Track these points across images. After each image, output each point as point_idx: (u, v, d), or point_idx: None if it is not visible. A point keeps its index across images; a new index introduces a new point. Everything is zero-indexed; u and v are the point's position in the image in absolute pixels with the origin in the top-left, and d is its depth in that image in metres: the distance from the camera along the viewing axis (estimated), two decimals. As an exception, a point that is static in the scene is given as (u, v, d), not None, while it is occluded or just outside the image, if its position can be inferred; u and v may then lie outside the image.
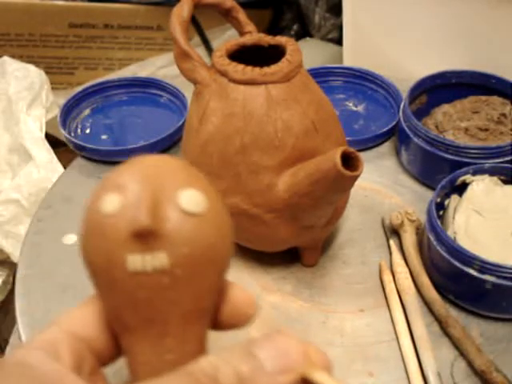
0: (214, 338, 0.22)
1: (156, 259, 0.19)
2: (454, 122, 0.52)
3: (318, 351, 0.19)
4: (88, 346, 0.21)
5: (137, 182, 0.20)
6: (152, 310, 0.20)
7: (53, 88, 0.83)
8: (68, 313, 0.22)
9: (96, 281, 0.21)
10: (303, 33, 0.97)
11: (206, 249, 0.20)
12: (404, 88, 0.56)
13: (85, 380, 0.20)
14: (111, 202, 0.20)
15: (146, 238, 0.19)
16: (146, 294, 0.20)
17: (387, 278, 0.44)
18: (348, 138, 0.46)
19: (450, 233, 0.42)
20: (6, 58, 0.81)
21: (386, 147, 0.57)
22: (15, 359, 0.19)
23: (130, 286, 0.20)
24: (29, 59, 0.88)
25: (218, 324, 0.22)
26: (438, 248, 0.41)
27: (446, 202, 0.46)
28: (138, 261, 0.19)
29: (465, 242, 0.41)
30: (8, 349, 0.49)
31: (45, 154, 0.70)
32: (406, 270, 0.44)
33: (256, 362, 0.18)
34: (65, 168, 0.62)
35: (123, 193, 0.20)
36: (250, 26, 0.44)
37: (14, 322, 0.44)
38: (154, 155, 0.22)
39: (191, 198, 0.20)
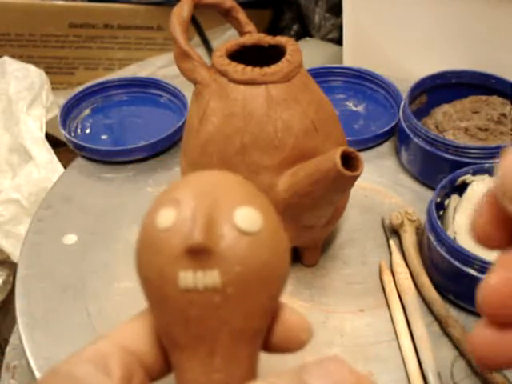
0: (264, 359, 0.22)
1: (208, 277, 0.19)
2: (453, 122, 0.52)
3: (370, 382, 0.19)
4: (138, 361, 0.21)
5: (193, 197, 0.20)
6: (202, 327, 0.20)
7: (53, 88, 0.83)
8: (120, 326, 0.22)
9: (148, 296, 0.21)
10: (303, 33, 0.97)
11: (260, 268, 0.20)
12: (404, 88, 0.56)
13: None
14: (166, 217, 0.20)
15: (199, 254, 0.19)
16: (196, 311, 0.20)
17: (387, 278, 0.44)
18: (348, 138, 0.46)
19: (449, 233, 0.42)
20: (6, 58, 0.81)
21: (386, 147, 0.57)
22: (64, 371, 0.19)
23: (180, 303, 0.20)
24: (29, 59, 0.88)
25: (268, 346, 0.22)
26: (438, 248, 0.41)
27: (446, 202, 0.46)
28: (189, 278, 0.19)
29: (465, 242, 0.41)
30: (8, 349, 0.49)
31: (45, 154, 0.70)
32: (406, 270, 0.44)
33: None
34: (65, 168, 0.62)
35: (179, 208, 0.20)
36: (249, 26, 0.44)
37: (14, 321, 0.44)
38: (213, 171, 0.22)
39: (247, 216, 0.20)
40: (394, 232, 0.47)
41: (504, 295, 0.19)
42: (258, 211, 0.20)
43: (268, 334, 0.22)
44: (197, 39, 0.93)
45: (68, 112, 0.59)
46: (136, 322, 0.22)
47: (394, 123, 0.56)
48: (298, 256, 0.45)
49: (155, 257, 0.20)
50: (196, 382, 0.20)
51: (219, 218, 0.20)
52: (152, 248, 0.20)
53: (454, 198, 0.45)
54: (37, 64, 0.83)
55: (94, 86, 0.62)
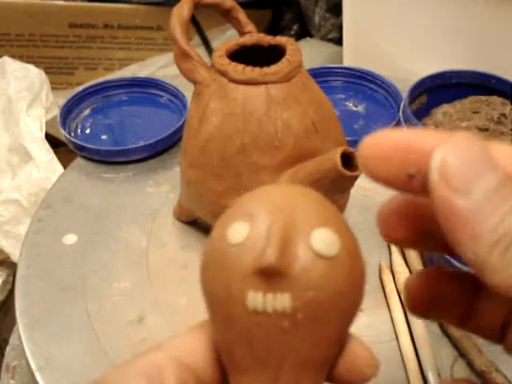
0: None
1: (278, 300, 0.18)
2: (453, 122, 0.52)
3: None
4: (194, 377, 0.20)
5: (268, 213, 0.19)
6: (267, 351, 0.19)
7: (53, 88, 0.83)
8: (177, 337, 0.21)
9: (212, 311, 0.20)
10: (303, 33, 0.97)
11: (334, 296, 0.19)
12: (404, 88, 0.56)
13: None
14: (238, 231, 0.19)
15: (271, 276, 0.18)
16: (262, 334, 0.18)
17: (387, 277, 0.44)
18: (348, 138, 0.46)
19: (449, 233, 0.42)
20: (5, 58, 0.81)
21: (386, 147, 0.56)
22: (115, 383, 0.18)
23: (247, 324, 0.18)
24: (29, 59, 0.88)
25: (331, 377, 0.21)
26: (438, 248, 0.41)
27: (446, 202, 0.46)
28: (258, 299, 0.18)
29: (465, 242, 0.41)
30: (8, 349, 0.49)
31: (45, 154, 0.70)
32: (406, 270, 0.44)
33: None
34: (65, 168, 0.62)
35: (252, 223, 0.19)
36: (250, 26, 0.44)
37: (13, 322, 0.44)
38: (290, 186, 0.21)
39: (324, 239, 0.19)
40: (393, 232, 0.47)
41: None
42: (336, 233, 0.19)
43: (333, 365, 0.21)
44: (197, 39, 0.93)
45: (68, 112, 0.59)
46: (194, 335, 0.20)
47: (393, 123, 0.56)
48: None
49: (223, 272, 0.19)
50: None
51: (295, 237, 0.18)
52: (220, 263, 0.19)
53: (454, 198, 0.45)
54: (37, 64, 0.83)
55: (93, 86, 0.62)
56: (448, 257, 0.40)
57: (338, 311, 0.19)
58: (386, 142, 0.18)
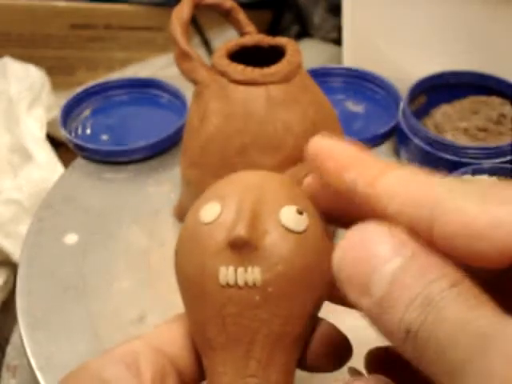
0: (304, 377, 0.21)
1: (249, 274, 0.19)
2: (453, 123, 0.52)
3: None
4: (172, 363, 0.20)
5: (239, 192, 0.20)
6: (239, 327, 0.19)
7: (54, 88, 0.83)
8: (156, 328, 0.21)
9: (186, 292, 0.20)
10: (303, 33, 0.97)
11: (302, 270, 0.19)
12: (404, 88, 0.56)
13: None
14: (210, 211, 0.19)
15: (241, 249, 0.19)
16: (234, 309, 0.19)
17: (387, 277, 0.44)
18: (348, 138, 0.46)
19: (449, 233, 0.42)
20: (6, 59, 0.81)
21: (386, 147, 0.57)
22: (94, 368, 0.19)
23: (219, 299, 0.19)
24: (30, 60, 0.88)
25: (305, 362, 0.21)
26: (438, 248, 0.41)
27: (446, 202, 0.46)
28: (230, 273, 0.19)
29: (464, 242, 0.41)
30: (9, 348, 0.49)
31: (45, 155, 0.70)
32: (406, 269, 0.44)
33: None
34: (65, 168, 0.62)
35: (224, 202, 0.19)
36: (250, 27, 0.44)
37: (14, 321, 0.44)
38: (261, 171, 0.21)
39: (292, 215, 0.19)
40: (393, 232, 0.48)
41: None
42: (303, 211, 0.20)
43: (305, 349, 0.21)
44: (197, 40, 0.94)
45: (68, 112, 0.59)
46: (171, 325, 0.21)
47: (393, 124, 0.56)
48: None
49: (196, 250, 0.19)
50: None
51: (264, 214, 0.19)
52: (194, 242, 0.20)
53: (454, 197, 0.45)
54: (38, 64, 0.83)
55: (94, 86, 0.62)
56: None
57: (308, 286, 0.20)
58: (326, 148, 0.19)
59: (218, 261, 0.19)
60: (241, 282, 0.19)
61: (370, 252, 0.16)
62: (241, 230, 0.18)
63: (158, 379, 0.19)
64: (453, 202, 0.15)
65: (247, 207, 0.19)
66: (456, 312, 0.14)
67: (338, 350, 0.21)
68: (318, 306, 0.21)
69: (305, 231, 0.19)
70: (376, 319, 0.17)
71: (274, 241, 0.19)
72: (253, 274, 0.19)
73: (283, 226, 0.19)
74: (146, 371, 0.19)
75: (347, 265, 0.17)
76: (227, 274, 0.19)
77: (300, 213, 0.20)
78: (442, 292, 0.15)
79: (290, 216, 0.19)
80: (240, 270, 0.19)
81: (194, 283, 0.20)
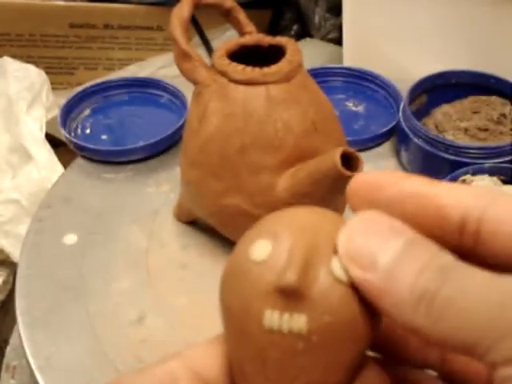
0: None
1: (295, 321, 0.18)
2: (453, 122, 0.52)
3: None
4: None
5: (292, 232, 0.19)
6: (279, 372, 0.19)
7: (53, 88, 0.83)
8: (195, 348, 0.21)
9: (228, 326, 0.20)
10: (303, 33, 0.97)
11: (350, 321, 0.19)
12: (404, 88, 0.56)
13: None
14: (261, 249, 0.19)
15: (289, 295, 0.18)
16: (276, 354, 0.19)
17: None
18: (348, 138, 0.46)
19: (449, 233, 0.42)
20: (6, 58, 0.81)
21: (386, 147, 0.57)
22: None
23: (261, 342, 0.19)
24: (29, 59, 0.88)
25: None
26: (438, 248, 0.41)
27: (446, 202, 0.46)
28: (275, 318, 0.18)
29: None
30: (8, 349, 0.49)
31: (45, 154, 0.70)
32: (406, 269, 0.44)
33: None
34: (65, 168, 0.62)
35: (275, 242, 0.19)
36: (249, 27, 0.44)
37: (14, 321, 0.44)
38: (315, 208, 0.21)
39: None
40: (393, 232, 0.47)
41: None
42: None
43: None
44: (197, 39, 0.93)
45: (68, 112, 0.59)
46: (211, 347, 0.21)
47: (393, 123, 0.56)
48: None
49: (242, 288, 0.19)
50: None
51: (316, 260, 0.18)
52: (241, 279, 0.19)
53: (454, 198, 0.45)
54: (37, 64, 0.83)
55: (94, 86, 0.62)
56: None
57: (353, 337, 0.19)
58: (367, 180, 0.19)
59: (264, 303, 0.18)
60: (285, 329, 0.18)
61: (377, 229, 0.17)
62: (291, 277, 0.18)
63: None
64: None
65: (299, 251, 0.18)
66: (478, 280, 0.15)
67: None
68: (361, 355, 0.20)
69: (353, 284, 0.19)
70: (381, 292, 0.17)
71: (323, 290, 0.18)
72: (299, 322, 0.18)
73: (334, 275, 0.18)
74: None
75: (352, 244, 0.17)
76: (272, 318, 0.18)
77: None
78: (454, 262, 0.15)
79: (343, 265, 0.19)
80: (286, 315, 0.18)
81: (236, 321, 0.19)
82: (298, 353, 0.18)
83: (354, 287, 0.19)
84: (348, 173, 0.35)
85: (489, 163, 0.46)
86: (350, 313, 0.19)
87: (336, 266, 0.19)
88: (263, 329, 0.18)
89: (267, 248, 0.19)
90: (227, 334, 0.20)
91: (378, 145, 0.57)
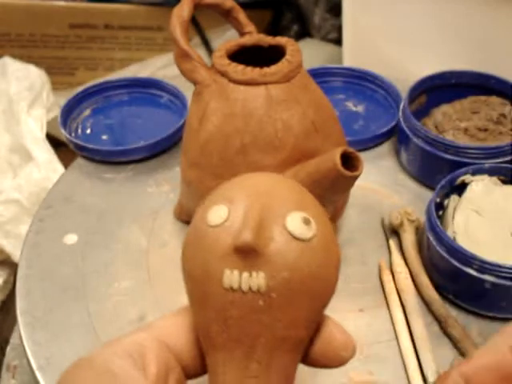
0: (310, 373, 0.21)
1: (253, 279, 0.19)
2: (453, 123, 0.52)
3: None
4: (176, 358, 0.20)
5: (246, 196, 0.20)
6: (241, 329, 0.19)
7: (53, 88, 0.83)
8: (160, 320, 0.21)
9: (190, 291, 0.20)
10: (303, 33, 0.97)
11: (307, 277, 0.19)
12: (404, 88, 0.56)
13: None
14: (218, 214, 0.19)
15: (247, 254, 0.19)
16: (237, 312, 0.19)
17: (387, 277, 0.44)
18: (348, 138, 0.46)
19: (449, 233, 0.42)
20: (6, 59, 0.81)
21: (386, 147, 0.57)
22: (100, 362, 0.19)
23: (222, 302, 0.19)
24: (29, 59, 0.89)
25: (308, 359, 0.21)
26: (438, 248, 0.41)
27: (446, 202, 0.46)
28: (234, 277, 0.19)
29: (464, 242, 0.41)
30: (8, 348, 0.49)
31: (45, 154, 0.70)
32: (406, 269, 0.44)
33: None
34: (65, 168, 0.62)
35: (231, 206, 0.19)
36: (249, 27, 0.44)
37: (14, 321, 0.44)
38: (269, 173, 0.21)
39: (300, 222, 0.19)
40: (393, 232, 0.48)
41: None
42: (311, 218, 0.20)
43: (308, 347, 0.21)
44: (197, 39, 0.94)
45: (68, 112, 0.59)
46: (177, 318, 0.21)
47: (393, 123, 0.56)
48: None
49: (202, 252, 0.19)
50: None
51: (271, 220, 0.19)
52: (200, 243, 0.20)
53: (454, 198, 0.45)
54: (37, 64, 0.83)
55: (94, 86, 0.62)
56: (447, 257, 0.40)
57: (312, 293, 0.20)
58: None
59: (223, 264, 0.19)
60: (245, 287, 0.19)
61: None
62: (246, 236, 0.18)
63: (163, 374, 0.20)
64: None
65: (254, 213, 0.19)
66: None
67: (341, 348, 0.21)
68: (320, 312, 0.21)
69: (311, 239, 0.19)
70: None
71: (279, 248, 0.19)
72: (257, 279, 0.19)
73: (289, 233, 0.19)
74: (152, 366, 0.19)
75: None
76: (231, 277, 0.19)
77: (307, 221, 0.19)
78: None
79: (297, 223, 0.19)
80: (245, 274, 0.19)
81: (197, 284, 0.20)
82: (258, 310, 0.19)
83: (309, 243, 0.19)
84: (348, 173, 0.35)
85: (488, 163, 0.46)
86: (307, 269, 0.19)
87: (291, 223, 0.19)
88: (223, 288, 0.19)
89: (223, 212, 0.19)
90: (191, 300, 0.21)
91: (378, 145, 0.57)
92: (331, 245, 0.20)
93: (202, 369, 0.21)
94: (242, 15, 0.44)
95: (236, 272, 0.19)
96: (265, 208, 0.19)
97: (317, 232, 0.20)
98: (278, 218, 0.19)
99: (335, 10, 0.88)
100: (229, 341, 0.19)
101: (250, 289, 0.19)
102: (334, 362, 0.21)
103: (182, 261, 0.21)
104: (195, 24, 0.91)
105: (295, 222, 0.19)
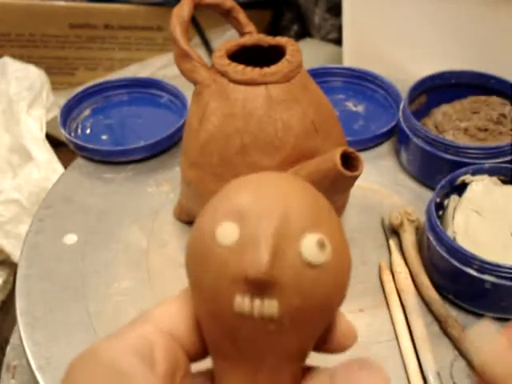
0: None
1: (266, 307, 0.18)
2: (453, 123, 0.52)
3: None
4: (181, 348, 0.20)
5: (259, 214, 0.18)
6: (250, 348, 0.19)
7: (53, 88, 0.83)
8: (162, 307, 0.21)
9: (198, 301, 0.20)
10: (303, 33, 0.97)
11: (321, 302, 0.19)
12: (404, 88, 0.56)
13: None
14: (228, 232, 0.18)
15: (260, 284, 0.18)
16: (247, 334, 0.19)
17: (387, 277, 0.44)
18: (348, 138, 0.46)
19: (449, 233, 0.42)
20: (6, 59, 0.81)
21: (386, 147, 0.57)
22: (106, 359, 0.18)
23: (232, 324, 0.19)
24: (29, 60, 0.89)
25: (314, 348, 0.21)
26: (438, 248, 0.41)
27: (446, 202, 0.46)
28: (246, 304, 0.18)
29: (464, 242, 0.41)
30: (8, 348, 0.49)
31: (45, 154, 0.70)
32: (406, 269, 0.44)
33: None
34: (65, 168, 0.62)
35: (243, 225, 0.18)
36: (249, 27, 0.44)
37: (14, 321, 0.44)
38: (281, 176, 0.20)
39: (315, 247, 0.18)
40: (393, 232, 0.48)
41: None
42: (326, 237, 0.19)
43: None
44: (197, 40, 0.94)
45: (68, 112, 0.59)
46: (179, 305, 0.21)
47: (393, 123, 0.56)
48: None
49: (211, 271, 0.19)
50: None
51: (285, 244, 0.18)
52: (208, 262, 0.19)
53: (454, 198, 0.45)
54: (37, 64, 0.83)
55: (94, 86, 0.62)
56: (447, 257, 0.40)
57: (324, 313, 0.19)
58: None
59: (234, 288, 0.18)
60: (256, 314, 0.18)
61: None
62: (261, 268, 0.17)
63: (171, 370, 0.19)
64: None
65: (268, 237, 0.18)
66: None
67: (345, 339, 0.21)
68: (330, 319, 0.21)
69: (325, 262, 0.19)
70: None
71: (293, 274, 0.18)
72: (270, 307, 0.18)
73: (304, 259, 0.18)
74: (161, 363, 0.19)
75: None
76: (242, 304, 0.18)
77: (322, 245, 0.18)
78: None
79: (312, 249, 0.18)
80: (257, 302, 0.18)
81: (207, 300, 0.19)
82: (269, 333, 0.18)
83: (324, 269, 0.18)
84: (348, 173, 0.35)
85: (488, 163, 0.46)
86: (321, 294, 0.18)
87: (305, 249, 0.18)
88: (234, 313, 0.18)
89: (234, 232, 0.18)
90: (197, 304, 0.20)
91: (378, 145, 0.57)
92: (345, 262, 0.20)
93: (203, 353, 0.21)
94: (242, 15, 0.44)
95: (247, 298, 0.18)
96: (279, 230, 0.18)
97: (331, 252, 0.19)
98: (292, 241, 0.18)
99: (335, 9, 0.88)
100: (238, 354, 0.19)
101: (261, 316, 0.18)
102: (337, 349, 0.21)
103: (188, 267, 0.20)
104: (195, 24, 0.91)
105: (310, 247, 0.18)
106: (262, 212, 0.18)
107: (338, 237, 0.19)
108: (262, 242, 0.18)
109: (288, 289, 0.18)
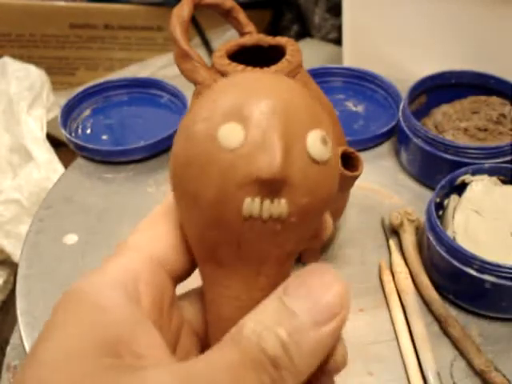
0: None
1: (275, 207, 0.18)
2: (453, 123, 0.52)
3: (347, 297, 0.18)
4: (167, 272, 0.20)
5: (263, 113, 0.18)
6: (253, 251, 0.19)
7: (53, 88, 0.83)
8: (141, 232, 0.21)
9: (194, 213, 0.19)
10: (303, 33, 0.97)
11: (325, 198, 0.19)
12: (404, 88, 0.56)
13: (164, 316, 0.19)
14: (232, 136, 0.17)
15: (273, 185, 0.17)
16: (253, 236, 0.18)
17: (387, 277, 0.44)
18: (348, 138, 0.46)
19: (449, 233, 0.42)
20: (6, 59, 0.81)
21: (386, 147, 0.57)
22: (90, 295, 0.18)
23: (238, 228, 0.18)
24: (30, 60, 0.89)
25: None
26: (438, 248, 0.41)
27: (446, 202, 0.46)
28: (256, 206, 0.18)
29: (464, 242, 0.41)
30: (9, 348, 0.49)
31: (45, 154, 0.70)
32: (406, 269, 0.44)
33: (294, 321, 0.17)
34: (65, 168, 0.62)
35: (247, 127, 0.17)
36: (249, 27, 0.44)
37: (14, 321, 0.44)
38: (274, 76, 0.19)
39: (319, 143, 0.18)
40: (393, 232, 0.48)
41: None
42: (327, 135, 0.18)
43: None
44: (197, 40, 0.94)
45: (69, 112, 0.59)
46: (162, 226, 0.21)
47: (393, 123, 0.56)
48: (298, 256, 0.45)
49: (215, 177, 0.18)
50: (236, 299, 0.19)
51: (292, 142, 0.18)
52: (211, 167, 0.18)
53: (454, 197, 0.45)
54: (37, 64, 0.83)
55: (94, 86, 0.62)
56: (447, 256, 0.40)
57: (325, 208, 0.19)
58: None
59: (243, 192, 0.18)
60: (266, 215, 0.18)
61: None
62: (275, 169, 0.17)
63: (158, 301, 0.19)
64: None
65: (277, 137, 0.17)
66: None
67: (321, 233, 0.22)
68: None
69: (328, 159, 0.18)
70: None
71: (301, 172, 0.18)
72: (279, 207, 0.18)
73: (310, 156, 0.18)
74: (146, 297, 0.18)
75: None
76: (252, 206, 0.18)
77: (325, 141, 0.18)
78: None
79: (317, 145, 0.18)
80: (267, 202, 0.18)
81: (209, 209, 0.18)
82: (275, 234, 0.18)
83: (327, 166, 0.18)
84: (348, 173, 0.35)
85: (488, 163, 0.46)
86: (325, 190, 0.19)
87: (311, 145, 0.18)
88: (241, 216, 0.18)
89: (238, 134, 0.18)
90: (191, 215, 0.19)
91: (378, 145, 0.57)
92: (337, 153, 0.20)
93: (189, 271, 0.21)
94: (241, 15, 0.44)
95: (257, 200, 0.18)
96: (286, 129, 0.18)
97: (331, 149, 0.19)
98: (298, 138, 0.18)
99: (335, 9, 0.88)
100: (237, 260, 0.19)
101: (270, 216, 0.18)
102: (320, 242, 0.22)
103: (181, 180, 0.19)
104: (195, 24, 0.91)
105: (315, 144, 0.18)
106: (266, 111, 0.18)
107: (331, 132, 0.19)
108: (274, 142, 0.17)
109: (296, 187, 0.18)
